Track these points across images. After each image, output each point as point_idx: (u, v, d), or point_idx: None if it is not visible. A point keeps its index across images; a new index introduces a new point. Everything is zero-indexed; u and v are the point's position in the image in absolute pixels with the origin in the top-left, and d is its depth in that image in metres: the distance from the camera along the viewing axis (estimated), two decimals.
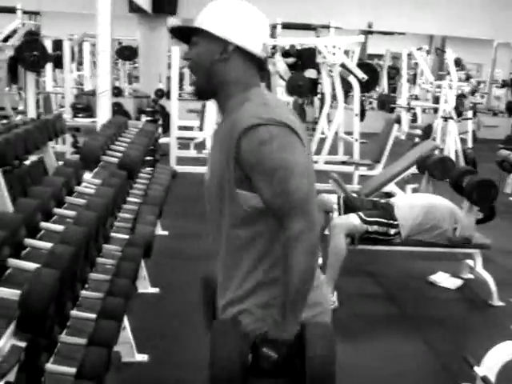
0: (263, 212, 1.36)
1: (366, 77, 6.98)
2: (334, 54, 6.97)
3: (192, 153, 7.74)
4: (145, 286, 3.55)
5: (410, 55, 10.72)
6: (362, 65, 7.72)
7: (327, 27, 9.08)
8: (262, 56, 1.42)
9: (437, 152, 5.04)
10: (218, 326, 1.40)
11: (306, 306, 1.36)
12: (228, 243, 1.44)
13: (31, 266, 1.73)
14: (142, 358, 2.84)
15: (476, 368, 2.57)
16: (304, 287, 1.32)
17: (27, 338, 1.55)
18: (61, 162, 4.94)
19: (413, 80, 11.87)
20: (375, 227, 3.60)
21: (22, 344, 1.52)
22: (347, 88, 7.61)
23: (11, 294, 1.56)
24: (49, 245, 1.90)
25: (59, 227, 2.08)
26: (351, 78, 7.14)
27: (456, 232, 3.74)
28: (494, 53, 12.89)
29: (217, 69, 1.40)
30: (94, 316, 2.15)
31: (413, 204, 3.82)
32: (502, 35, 12.48)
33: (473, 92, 12.28)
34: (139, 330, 2.89)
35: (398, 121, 8.51)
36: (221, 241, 1.46)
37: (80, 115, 5.92)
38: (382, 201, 3.99)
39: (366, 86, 7.42)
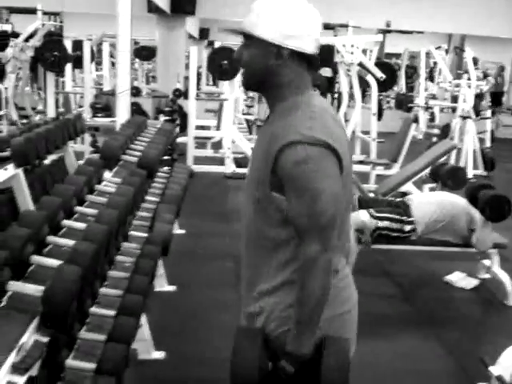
0: None
1: (384, 76, 6.97)
2: (352, 53, 6.97)
3: (209, 152, 7.80)
4: (162, 284, 3.60)
5: (428, 54, 10.65)
6: (380, 64, 7.71)
7: (345, 26, 9.07)
8: (315, 54, 1.41)
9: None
10: (242, 333, 1.44)
11: (335, 304, 1.42)
12: (259, 241, 1.46)
13: (54, 262, 1.77)
14: (159, 355, 2.88)
15: (491, 367, 2.58)
16: (318, 306, 1.36)
17: (49, 333, 1.59)
18: (80, 162, 5.02)
19: (430, 79, 11.79)
20: (386, 223, 3.60)
21: (45, 339, 1.57)
22: (365, 87, 7.60)
23: (35, 290, 1.61)
24: (71, 242, 1.95)
25: (81, 225, 2.12)
26: (369, 77, 7.13)
27: (473, 239, 3.73)
28: None
29: (270, 73, 1.39)
30: (112, 313, 2.20)
31: (429, 201, 3.82)
32: None
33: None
34: (156, 327, 2.94)
35: (416, 120, 8.49)
36: (251, 236, 1.50)
37: (99, 115, 5.99)
38: (398, 199, 4.00)
39: (384, 85, 7.42)
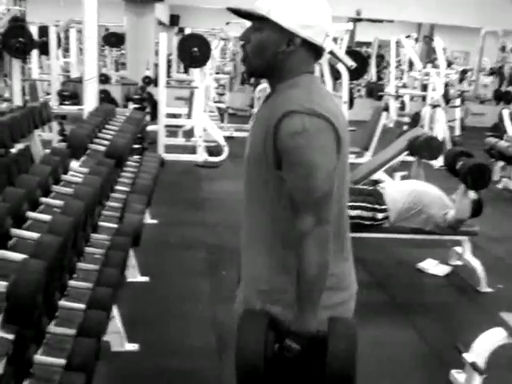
0: None
1: (354, 64, 6.94)
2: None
3: (180, 140, 7.69)
4: (134, 275, 3.53)
5: (398, 43, 10.70)
6: (350, 52, 7.68)
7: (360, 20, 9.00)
8: (324, 46, 1.41)
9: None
10: (246, 316, 1.40)
11: (333, 292, 1.41)
12: (269, 226, 1.43)
13: (18, 256, 1.70)
14: (133, 347, 2.82)
15: (465, 354, 2.59)
16: (318, 280, 1.34)
17: (15, 329, 1.52)
18: (47, 150, 4.89)
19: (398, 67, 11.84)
20: (357, 211, 3.61)
21: (10, 336, 1.50)
22: (336, 75, 7.57)
23: None
24: (36, 235, 1.88)
25: (46, 217, 2.05)
26: (340, 66, 7.10)
27: (447, 215, 3.74)
28: (481, 41, 12.90)
29: (279, 59, 1.38)
30: (82, 306, 2.13)
31: (402, 189, 3.83)
32: (489, 23, 12.51)
33: (460, 80, 12.31)
34: (129, 319, 2.87)
35: (386, 108, 8.52)
36: (252, 218, 1.46)
37: (66, 103, 5.84)
38: (370, 188, 3.99)
39: (355, 74, 7.39)
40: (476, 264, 3.84)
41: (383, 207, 3.67)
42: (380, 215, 3.66)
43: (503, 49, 12.79)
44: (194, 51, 6.46)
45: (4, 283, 1.53)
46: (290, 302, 1.39)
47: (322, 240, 1.33)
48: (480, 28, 12.95)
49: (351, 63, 6.99)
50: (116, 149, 3.33)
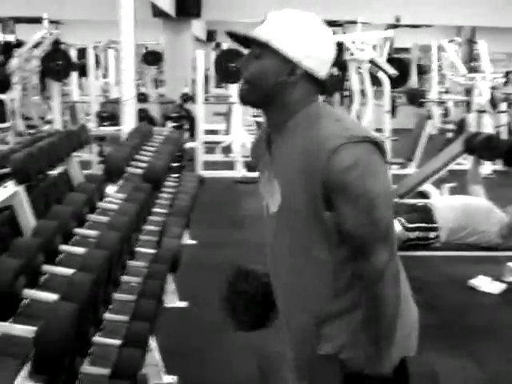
0: None
1: (396, 72, 6.78)
2: (362, 50, 6.79)
3: (219, 157, 7.65)
4: (172, 300, 3.44)
5: (439, 48, 10.42)
6: (391, 60, 7.50)
7: (354, 23, 8.87)
8: (326, 79, 1.32)
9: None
10: (318, 362, 1.35)
11: (405, 321, 1.36)
12: (311, 267, 1.35)
13: (49, 296, 1.62)
14: (172, 379, 2.72)
15: None
16: (395, 318, 1.29)
17: (44, 379, 1.44)
18: (86, 172, 4.89)
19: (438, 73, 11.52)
20: (416, 233, 3.43)
21: None
22: (376, 84, 7.41)
23: (25, 331, 1.46)
24: (69, 271, 1.80)
25: (80, 250, 1.98)
26: (381, 74, 6.94)
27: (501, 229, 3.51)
28: None
29: (279, 89, 1.29)
30: (117, 342, 2.05)
31: (452, 205, 3.63)
32: None
33: (505, 83, 11.88)
34: (167, 348, 2.78)
35: (429, 116, 8.27)
36: (296, 262, 1.37)
37: (105, 124, 5.87)
38: (419, 203, 3.81)
39: (397, 82, 7.22)
40: None
41: (434, 225, 3.48)
42: (432, 234, 3.46)
43: None
44: (230, 66, 6.40)
45: (32, 328, 1.45)
46: (352, 343, 1.33)
47: (396, 274, 1.28)
48: None
49: (393, 71, 6.83)
50: (153, 172, 3.27)
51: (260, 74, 1.28)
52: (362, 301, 1.30)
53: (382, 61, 7.11)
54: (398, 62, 7.70)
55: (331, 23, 9.75)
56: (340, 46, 7.95)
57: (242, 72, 1.32)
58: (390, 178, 5.79)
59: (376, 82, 7.21)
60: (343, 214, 1.25)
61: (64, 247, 2.02)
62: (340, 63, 8.57)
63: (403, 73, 7.35)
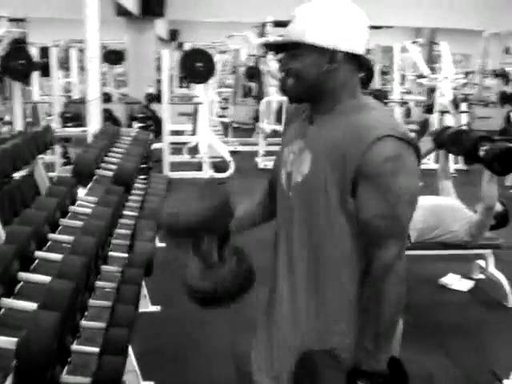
0: None
1: (361, 74, 6.83)
2: None
3: (185, 157, 7.58)
4: (145, 305, 3.38)
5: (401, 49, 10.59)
6: None
7: None
8: (364, 54, 1.33)
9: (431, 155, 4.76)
10: (320, 361, 1.31)
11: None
12: (328, 253, 1.34)
13: (28, 305, 1.56)
14: None
15: (505, 381, 2.45)
16: (397, 316, 1.30)
17: None
18: (51, 173, 4.76)
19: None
20: None
21: None
22: None
23: (5, 342, 1.39)
24: (46, 278, 1.74)
25: (57, 256, 1.91)
26: None
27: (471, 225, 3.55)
28: (484, 43, 12.77)
29: (324, 78, 1.31)
30: (96, 350, 1.99)
31: (421, 206, 3.65)
32: (491, 25, 12.40)
33: (463, 84, 12.16)
34: (142, 354, 2.72)
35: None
36: (316, 254, 1.35)
37: (69, 124, 5.73)
38: None
39: (363, 83, 7.28)
40: (501, 278, 3.70)
41: None
42: None
43: (507, 50, 12.65)
44: (197, 66, 6.34)
45: (13, 340, 1.39)
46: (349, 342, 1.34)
47: (403, 274, 1.28)
48: (482, 30, 12.84)
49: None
50: (124, 174, 3.20)
51: (303, 72, 1.30)
52: (365, 296, 1.30)
53: None
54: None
55: (284, 24, 9.80)
56: None
57: (284, 74, 1.33)
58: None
59: None
60: (365, 202, 1.26)
61: (39, 253, 1.95)
62: None
63: (368, 74, 7.42)
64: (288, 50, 1.33)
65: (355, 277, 1.33)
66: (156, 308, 3.42)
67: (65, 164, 5.39)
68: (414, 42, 9.32)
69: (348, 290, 1.34)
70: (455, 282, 3.97)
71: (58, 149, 6.08)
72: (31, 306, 1.56)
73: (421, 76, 8.90)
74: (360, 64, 1.33)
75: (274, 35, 8.67)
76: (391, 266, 1.25)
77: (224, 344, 3.08)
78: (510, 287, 3.66)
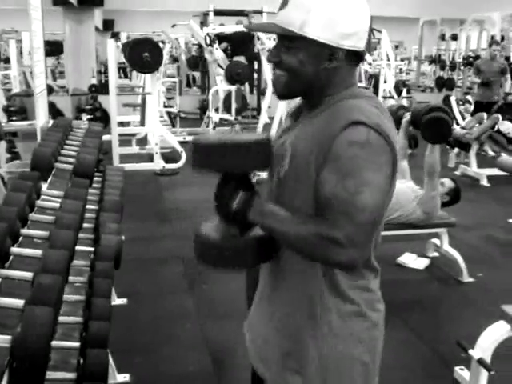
0: None
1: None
2: (274, 39, 6.85)
3: (134, 149, 7.45)
4: (112, 298, 3.33)
5: None
6: None
7: (260, 12, 8.94)
8: (364, 49, 1.23)
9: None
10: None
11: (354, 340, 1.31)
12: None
13: (15, 302, 1.51)
14: (123, 378, 2.65)
15: (471, 351, 2.56)
16: (292, 239, 1.20)
17: None
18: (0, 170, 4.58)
19: None
20: None
21: None
22: None
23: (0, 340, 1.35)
24: (27, 274, 1.69)
25: (35, 252, 1.86)
26: None
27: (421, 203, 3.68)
28: (420, 30, 13.17)
29: (322, 75, 1.20)
30: (76, 345, 1.95)
31: None
32: (426, 13, 12.79)
33: (400, 70, 12.51)
34: (114, 347, 2.68)
35: None
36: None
37: (14, 118, 5.52)
38: None
39: None
40: (456, 255, 3.86)
41: None
42: None
43: (443, 37, 13.08)
44: (145, 56, 6.23)
45: (6, 337, 1.35)
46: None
47: (347, 260, 1.14)
48: (418, 18, 13.22)
49: None
50: (85, 166, 3.12)
51: (299, 68, 1.19)
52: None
53: None
54: None
55: (238, 13, 9.78)
56: (251, 36, 8.01)
57: (275, 66, 1.22)
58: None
59: None
60: (326, 180, 1.15)
61: (15, 250, 1.89)
62: (250, 53, 8.65)
63: None
64: (280, 39, 1.20)
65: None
66: (122, 301, 3.37)
67: (11, 159, 5.19)
68: None
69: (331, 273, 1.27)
70: (412, 260, 4.11)
71: (2, 144, 5.85)
72: (18, 302, 1.52)
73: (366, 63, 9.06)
74: (359, 58, 1.24)
75: (214, 23, 8.62)
76: (337, 242, 1.13)
77: (195, 334, 3.08)
78: (464, 264, 3.83)
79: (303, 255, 1.21)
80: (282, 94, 1.27)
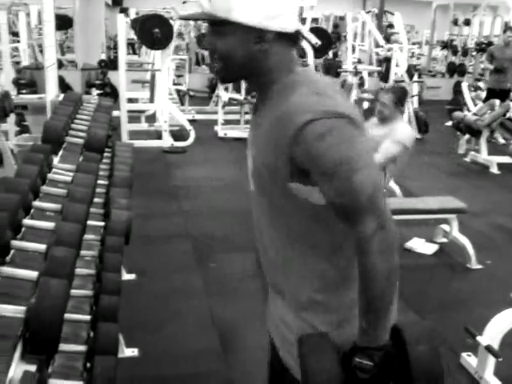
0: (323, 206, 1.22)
1: (319, 42, 6.83)
2: None
3: (143, 126, 7.43)
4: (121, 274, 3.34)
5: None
6: (314, 29, 7.56)
7: None
8: (297, 30, 1.23)
9: None
10: (308, 342, 1.24)
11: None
12: (287, 240, 1.29)
13: (28, 274, 1.51)
14: (132, 352, 2.67)
15: (479, 337, 2.56)
16: (387, 290, 1.18)
17: (37, 359, 1.35)
18: (9, 143, 4.58)
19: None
20: None
21: (33, 368, 1.32)
22: (300, 54, 7.44)
23: (14, 310, 1.35)
24: (41, 247, 1.68)
25: (48, 224, 1.85)
26: (304, 44, 6.98)
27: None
28: (433, 14, 12.98)
29: (253, 58, 1.21)
30: (87, 318, 1.96)
31: None
32: None
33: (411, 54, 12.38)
34: (123, 322, 2.69)
35: (343, 85, 8.43)
36: (271, 237, 1.32)
37: (24, 91, 5.49)
38: None
39: (320, 52, 7.29)
40: (465, 241, 3.84)
41: None
42: None
43: (456, 22, 12.90)
44: (155, 32, 6.17)
45: (21, 308, 1.35)
46: (339, 321, 1.30)
47: (388, 244, 1.16)
48: (430, 2, 13.04)
49: (316, 40, 6.88)
50: (96, 141, 3.11)
51: (229, 52, 1.21)
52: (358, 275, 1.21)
53: (306, 30, 7.13)
54: (321, 31, 7.77)
55: None
56: None
57: (210, 52, 1.24)
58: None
59: (299, 51, 7.25)
60: (322, 187, 1.17)
61: (27, 221, 1.89)
62: None
63: (326, 42, 7.43)
64: (211, 24, 1.23)
65: (323, 254, 1.28)
66: (132, 276, 3.38)
67: (20, 132, 5.17)
68: (368, 12, 9.36)
69: (316, 269, 1.29)
70: (420, 245, 4.10)
71: (11, 116, 5.83)
72: (32, 274, 1.52)
73: (377, 45, 8.96)
74: (294, 40, 1.24)
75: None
76: (370, 239, 1.14)
77: (203, 311, 3.09)
78: (473, 250, 3.81)
79: (394, 281, 1.21)
80: (222, 78, 1.29)
